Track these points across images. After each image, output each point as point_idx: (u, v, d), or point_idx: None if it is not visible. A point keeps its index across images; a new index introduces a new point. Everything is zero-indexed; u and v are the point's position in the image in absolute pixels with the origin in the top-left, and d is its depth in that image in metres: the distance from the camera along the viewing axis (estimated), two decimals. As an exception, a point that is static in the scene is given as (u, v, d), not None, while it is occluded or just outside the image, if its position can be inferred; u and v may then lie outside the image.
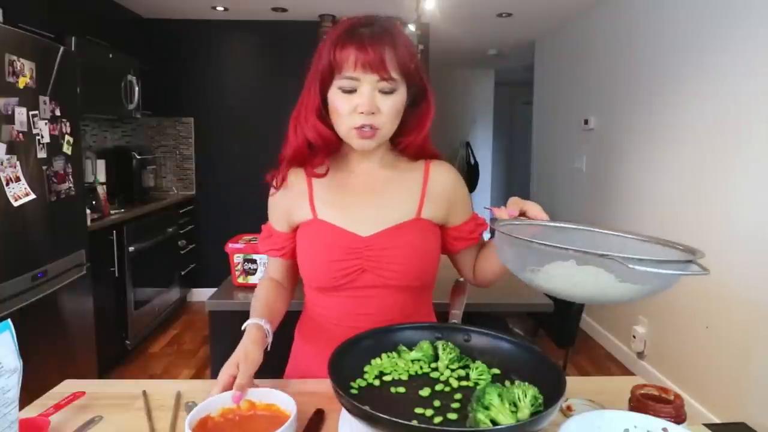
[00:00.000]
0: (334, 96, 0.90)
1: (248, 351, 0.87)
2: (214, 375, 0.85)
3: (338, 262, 0.95)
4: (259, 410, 0.82)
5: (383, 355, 0.87)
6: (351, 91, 0.89)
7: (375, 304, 0.98)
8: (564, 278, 0.68)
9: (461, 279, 0.96)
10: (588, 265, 0.66)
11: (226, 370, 0.84)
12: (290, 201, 1.01)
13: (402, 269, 0.95)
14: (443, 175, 1.03)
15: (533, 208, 0.85)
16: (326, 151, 0.96)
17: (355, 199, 0.99)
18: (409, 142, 0.99)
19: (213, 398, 0.81)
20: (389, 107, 0.90)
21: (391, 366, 0.84)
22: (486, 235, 1.12)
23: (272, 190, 1.03)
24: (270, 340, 0.93)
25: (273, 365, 1.27)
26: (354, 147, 0.94)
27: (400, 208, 0.98)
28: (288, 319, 1.33)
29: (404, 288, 0.98)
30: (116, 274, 3.07)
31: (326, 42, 0.90)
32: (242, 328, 0.93)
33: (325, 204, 0.99)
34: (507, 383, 0.77)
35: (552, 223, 0.84)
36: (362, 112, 0.88)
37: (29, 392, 0.88)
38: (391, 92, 0.89)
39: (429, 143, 1.02)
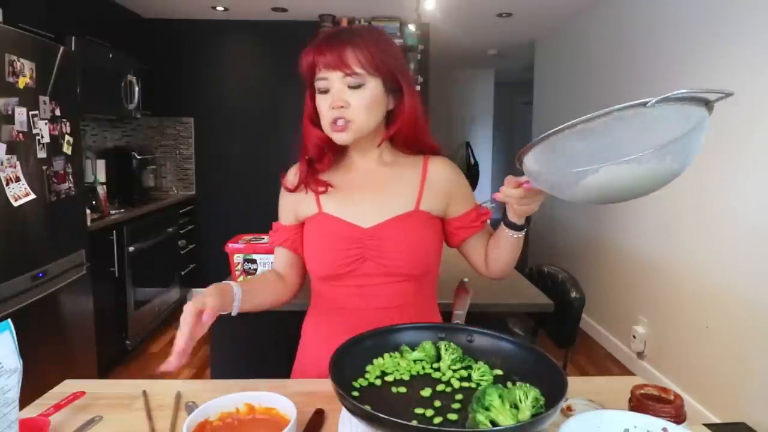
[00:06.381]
0: (317, 99, 0.98)
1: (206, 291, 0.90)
2: (214, 375, 0.85)
3: (341, 251, 1.00)
4: (259, 414, 0.80)
5: (386, 355, 0.87)
6: (325, 91, 0.96)
7: (377, 293, 1.02)
8: (602, 181, 0.73)
9: (465, 280, 0.97)
10: (619, 165, 0.71)
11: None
12: (299, 198, 1.07)
13: (400, 257, 1.00)
14: (441, 169, 1.07)
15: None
16: (330, 151, 1.04)
17: (358, 194, 1.05)
18: (398, 134, 1.04)
19: (212, 402, 0.80)
20: (358, 100, 0.95)
21: (393, 366, 0.84)
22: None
23: (282, 190, 1.10)
24: (236, 305, 0.96)
25: (274, 366, 1.27)
26: (335, 141, 0.99)
27: (399, 202, 1.03)
28: (290, 318, 1.33)
29: (404, 277, 1.02)
30: (116, 274, 3.07)
31: (301, 56, 1.00)
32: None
33: (329, 199, 1.05)
34: (509, 384, 0.77)
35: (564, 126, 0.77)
36: (333, 107, 0.95)
37: (29, 392, 0.88)
38: (358, 86, 0.95)
39: (426, 137, 1.07)
